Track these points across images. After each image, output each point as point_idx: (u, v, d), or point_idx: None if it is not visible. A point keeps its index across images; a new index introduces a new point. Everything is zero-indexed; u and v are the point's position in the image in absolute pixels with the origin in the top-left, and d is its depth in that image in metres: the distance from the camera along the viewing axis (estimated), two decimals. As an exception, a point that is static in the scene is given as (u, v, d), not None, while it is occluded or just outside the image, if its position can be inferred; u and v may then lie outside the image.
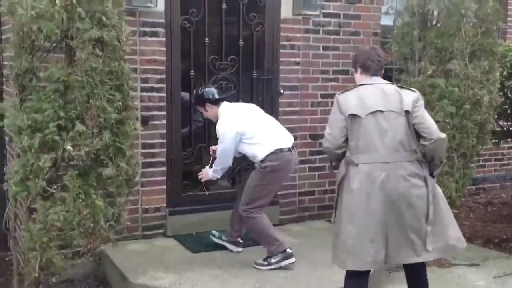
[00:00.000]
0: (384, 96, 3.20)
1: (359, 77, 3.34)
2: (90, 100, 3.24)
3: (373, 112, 3.14)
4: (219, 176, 4.21)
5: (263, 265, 3.97)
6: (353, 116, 3.14)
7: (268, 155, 3.94)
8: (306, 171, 5.27)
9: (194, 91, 4.30)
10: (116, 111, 3.35)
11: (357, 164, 3.12)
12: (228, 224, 4.32)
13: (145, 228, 4.59)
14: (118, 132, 3.40)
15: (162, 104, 4.55)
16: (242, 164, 4.58)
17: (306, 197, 5.30)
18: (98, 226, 3.30)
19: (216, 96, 4.15)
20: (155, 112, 4.52)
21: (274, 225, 4.90)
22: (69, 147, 3.17)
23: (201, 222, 4.71)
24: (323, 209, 5.35)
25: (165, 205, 4.66)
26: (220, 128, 4.03)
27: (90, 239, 3.30)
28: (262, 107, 4.96)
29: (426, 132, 3.13)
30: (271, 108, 4.99)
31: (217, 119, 4.10)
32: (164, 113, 4.57)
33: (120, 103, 3.38)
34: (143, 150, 4.50)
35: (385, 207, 3.08)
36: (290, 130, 4.98)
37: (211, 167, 4.18)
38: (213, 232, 4.41)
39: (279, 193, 5.10)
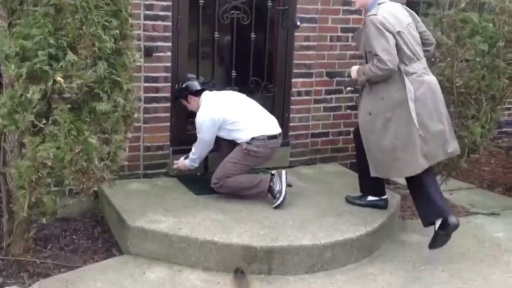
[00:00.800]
0: (403, 11, 3.74)
1: None
2: (84, 27, 2.96)
3: (407, 25, 3.64)
4: (196, 165, 4.18)
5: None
6: (398, 32, 3.55)
7: (255, 139, 3.93)
8: (321, 111, 5.01)
9: (176, 85, 4.29)
10: (113, 40, 3.07)
11: (413, 73, 3.58)
12: None
13: (147, 167, 4.41)
14: (115, 64, 3.15)
15: (167, 34, 4.25)
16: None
17: (319, 138, 5.08)
18: (91, 165, 3.10)
19: (198, 87, 4.16)
20: (159, 43, 4.23)
21: (284, 167, 4.78)
22: (59, 78, 2.92)
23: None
24: (337, 151, 5.13)
25: (168, 143, 4.45)
26: (197, 118, 4.00)
27: (83, 178, 3.11)
28: (277, 40, 4.69)
29: (430, 38, 3.85)
30: (286, 43, 4.66)
31: None
32: (170, 44, 4.27)
33: (117, 31, 3.10)
34: (146, 84, 4.25)
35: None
36: (306, 66, 4.76)
37: (186, 157, 4.18)
38: None
39: (291, 133, 4.88)
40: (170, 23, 4.24)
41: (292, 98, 4.85)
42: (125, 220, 3.55)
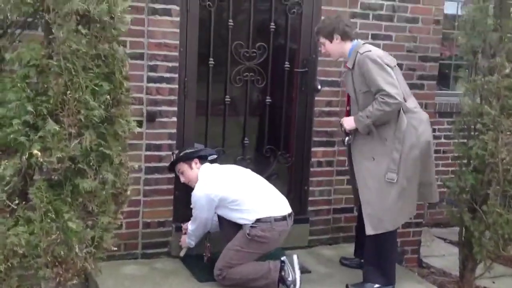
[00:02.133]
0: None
1: (340, 45, 3.62)
2: (68, 91, 2.59)
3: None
4: (193, 244, 3.81)
5: None
6: (395, 67, 3.52)
7: (259, 223, 3.51)
8: (344, 184, 4.52)
9: (172, 153, 3.88)
10: (103, 107, 2.69)
11: (413, 111, 3.51)
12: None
13: (146, 246, 3.95)
14: (104, 134, 2.76)
15: (172, 97, 3.90)
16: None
17: (343, 214, 4.60)
18: (71, 254, 2.65)
19: (209, 153, 3.83)
20: (163, 107, 3.87)
21: (302, 247, 4.30)
22: (36, 151, 2.53)
23: (213, 240, 4.00)
24: (363, 229, 4.60)
25: (171, 219, 4.02)
26: (193, 193, 3.64)
27: (60, 269, 2.65)
28: (296, 105, 4.31)
29: None
30: (305, 108, 4.28)
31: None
32: (175, 108, 3.91)
33: (108, 96, 2.72)
34: (147, 153, 3.86)
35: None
36: (327, 134, 4.34)
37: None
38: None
39: (310, 208, 4.41)
40: (177, 86, 3.90)
41: (311, 169, 4.43)
42: (112, 316, 3.05)
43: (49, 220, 2.57)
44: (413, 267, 4.64)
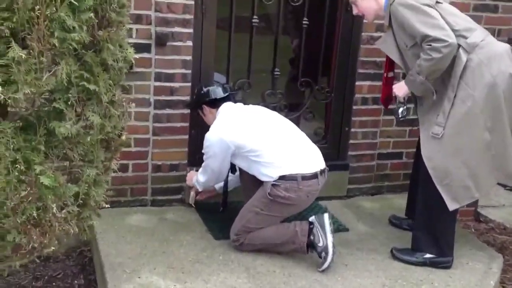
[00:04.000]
0: None
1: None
2: (37, 6, 2.01)
3: None
4: (200, 189, 3.33)
5: None
6: (437, 3, 2.91)
7: (283, 180, 2.91)
8: (393, 125, 3.93)
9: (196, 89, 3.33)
10: (85, 28, 2.11)
11: (480, 45, 2.87)
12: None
13: (156, 192, 3.49)
14: (89, 63, 2.18)
15: (187, 16, 3.29)
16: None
17: (389, 160, 4.05)
18: (47, 215, 2.16)
19: (218, 95, 3.19)
20: (176, 29, 3.28)
21: (339, 197, 3.77)
22: (-4, 86, 1.99)
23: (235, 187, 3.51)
24: (411, 178, 4.03)
25: (185, 162, 3.52)
26: (205, 137, 3.07)
27: (34, 233, 2.17)
28: (339, 28, 3.68)
29: None
30: (351, 32, 3.68)
31: None
32: (191, 30, 3.32)
33: (93, 14, 2.13)
34: (157, 84, 3.32)
35: None
36: (376, 66, 3.75)
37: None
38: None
39: (351, 153, 3.84)
40: (193, 2, 3.28)
41: (354, 107, 3.82)
42: (107, 281, 2.61)
43: (17, 173, 2.06)
44: (469, 221, 4.11)
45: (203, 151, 3.08)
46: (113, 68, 2.29)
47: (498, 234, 3.98)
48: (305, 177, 2.91)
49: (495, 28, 3.89)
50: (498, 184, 4.71)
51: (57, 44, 2.05)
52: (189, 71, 3.35)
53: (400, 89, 3.03)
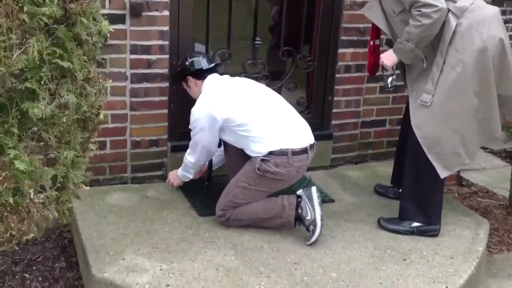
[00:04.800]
0: None
1: None
2: (3, -21, 1.88)
3: None
4: (191, 177, 3.22)
5: None
6: None
7: (272, 155, 2.85)
8: (376, 92, 3.90)
9: (179, 61, 3.24)
10: (56, 1, 2.00)
11: (469, 9, 2.79)
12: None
13: (136, 169, 3.40)
14: (62, 38, 2.07)
15: (163, -15, 3.13)
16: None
17: (373, 128, 4.01)
18: (24, 201, 2.07)
19: (203, 65, 3.09)
20: (152, -2, 3.12)
21: (323, 167, 3.73)
22: (-37, 66, 1.87)
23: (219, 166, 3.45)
24: (395, 145, 3.98)
25: (165, 137, 3.43)
26: (192, 112, 2.97)
27: (10, 221, 2.08)
28: None
29: None
30: (332, -3, 3.50)
31: None
32: (167, -1, 3.16)
33: (63, -13, 2.00)
34: (133, 56, 3.20)
35: None
36: (359, 32, 3.71)
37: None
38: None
39: (334, 122, 3.79)
40: (168, -31, 3.11)
41: (337, 75, 3.74)
42: (90, 265, 2.54)
43: (-11, 158, 1.96)
44: (452, 185, 4.11)
45: (190, 126, 2.98)
46: (87, 43, 2.19)
47: (481, 198, 4.01)
48: (295, 152, 2.85)
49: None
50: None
51: (26, 20, 1.93)
52: (167, 43, 3.22)
53: (388, 58, 2.95)
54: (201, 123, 2.91)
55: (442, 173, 2.91)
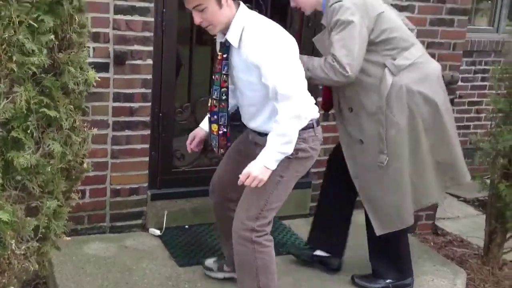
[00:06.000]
0: None
1: None
2: (-6, 29, 1.88)
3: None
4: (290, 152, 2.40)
5: None
6: (380, 14, 2.75)
7: (312, 127, 2.49)
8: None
9: None
10: (45, 51, 2.00)
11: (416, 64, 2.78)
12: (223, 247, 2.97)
13: (115, 218, 3.35)
14: (49, 88, 2.06)
15: (147, 34, 3.18)
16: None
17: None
18: (5, 252, 2.01)
19: None
20: (136, 47, 3.17)
21: (303, 215, 3.72)
22: None
23: (198, 210, 3.44)
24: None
25: (146, 184, 3.41)
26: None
27: (-10, 273, 2.02)
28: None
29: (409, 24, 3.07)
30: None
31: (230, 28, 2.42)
32: (151, 48, 3.21)
33: (53, 36, 2.02)
34: (115, 104, 3.20)
35: None
36: None
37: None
38: (207, 262, 2.95)
39: (312, 170, 3.80)
40: (152, 19, 3.17)
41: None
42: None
43: (-29, 208, 1.92)
44: (427, 235, 4.15)
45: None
46: (74, 91, 2.18)
47: (456, 247, 4.05)
48: (318, 122, 2.53)
49: (450, 42, 3.95)
50: (451, 195, 4.83)
51: (15, 69, 1.92)
52: (149, 91, 3.23)
53: None
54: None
55: (378, 231, 2.88)
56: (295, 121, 2.32)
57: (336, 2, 2.69)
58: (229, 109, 2.55)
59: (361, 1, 2.70)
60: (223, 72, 2.46)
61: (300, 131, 2.38)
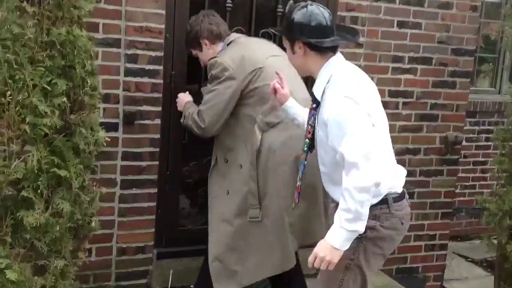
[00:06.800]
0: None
1: (210, 50, 2.96)
2: (9, 92, 1.97)
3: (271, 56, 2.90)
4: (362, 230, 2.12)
5: None
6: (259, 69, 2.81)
7: (386, 202, 2.22)
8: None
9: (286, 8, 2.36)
10: (58, 112, 2.07)
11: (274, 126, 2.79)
12: None
13: (121, 277, 3.33)
14: (60, 148, 2.11)
15: (156, 95, 3.25)
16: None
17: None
18: (11, 313, 2.01)
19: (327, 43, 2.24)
20: (144, 107, 3.23)
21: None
22: (-40, 175, 1.89)
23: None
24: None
25: (152, 243, 3.39)
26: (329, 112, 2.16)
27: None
28: None
29: None
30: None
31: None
32: (159, 108, 3.28)
33: (65, 99, 2.09)
34: (124, 163, 3.23)
35: None
36: None
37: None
38: None
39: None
40: (161, 81, 3.25)
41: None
42: None
43: (-21, 267, 1.94)
44: (437, 296, 4.08)
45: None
46: (84, 151, 2.24)
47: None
48: (395, 199, 2.22)
49: (453, 103, 4.02)
50: (459, 255, 4.78)
51: (28, 130, 1.99)
52: (157, 149, 3.28)
53: (182, 101, 3.08)
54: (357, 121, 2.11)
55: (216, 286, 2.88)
56: (362, 195, 2.02)
57: (212, 58, 2.85)
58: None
59: (239, 56, 2.80)
60: (309, 123, 2.29)
61: (371, 207, 2.09)
